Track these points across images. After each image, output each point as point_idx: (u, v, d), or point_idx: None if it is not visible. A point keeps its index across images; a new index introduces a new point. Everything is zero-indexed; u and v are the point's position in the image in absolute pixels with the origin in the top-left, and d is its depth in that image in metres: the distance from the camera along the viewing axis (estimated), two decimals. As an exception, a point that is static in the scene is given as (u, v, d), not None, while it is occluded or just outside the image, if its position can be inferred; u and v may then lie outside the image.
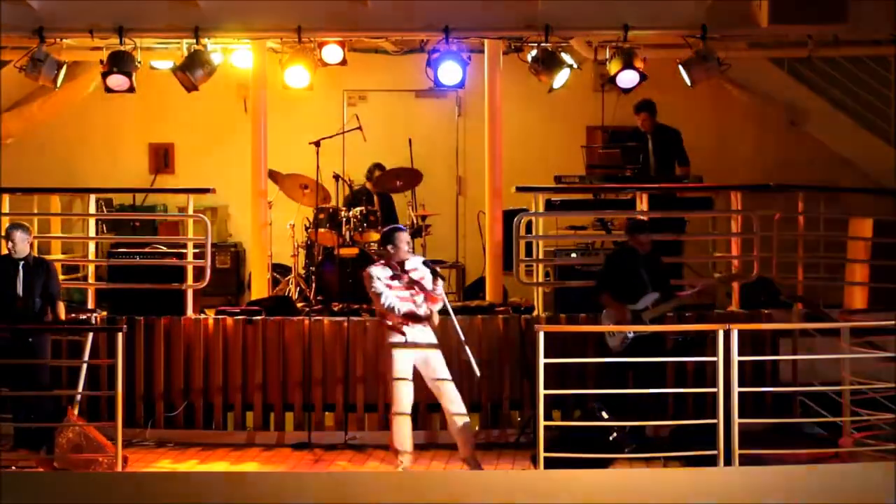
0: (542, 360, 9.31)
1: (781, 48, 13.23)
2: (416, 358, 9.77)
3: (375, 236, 12.25)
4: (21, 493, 8.98)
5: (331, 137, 12.56)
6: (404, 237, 9.80)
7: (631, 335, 10.31)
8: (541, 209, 11.92)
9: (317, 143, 12.30)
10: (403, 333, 9.71)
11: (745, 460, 9.41)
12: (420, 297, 9.71)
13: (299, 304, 11.98)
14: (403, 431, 9.79)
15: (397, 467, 9.81)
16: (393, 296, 9.68)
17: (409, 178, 12.56)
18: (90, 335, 10.64)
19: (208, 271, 11.69)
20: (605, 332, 10.48)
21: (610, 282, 10.63)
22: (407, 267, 9.78)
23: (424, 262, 9.91)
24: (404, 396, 9.77)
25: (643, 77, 11.76)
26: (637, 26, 11.75)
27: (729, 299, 12.13)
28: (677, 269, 12.30)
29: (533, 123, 14.15)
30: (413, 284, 9.72)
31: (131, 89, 11.93)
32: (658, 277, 10.62)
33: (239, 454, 10.96)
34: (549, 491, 9.02)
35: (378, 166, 13.08)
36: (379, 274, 9.75)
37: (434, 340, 9.84)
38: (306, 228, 12.35)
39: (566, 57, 12.20)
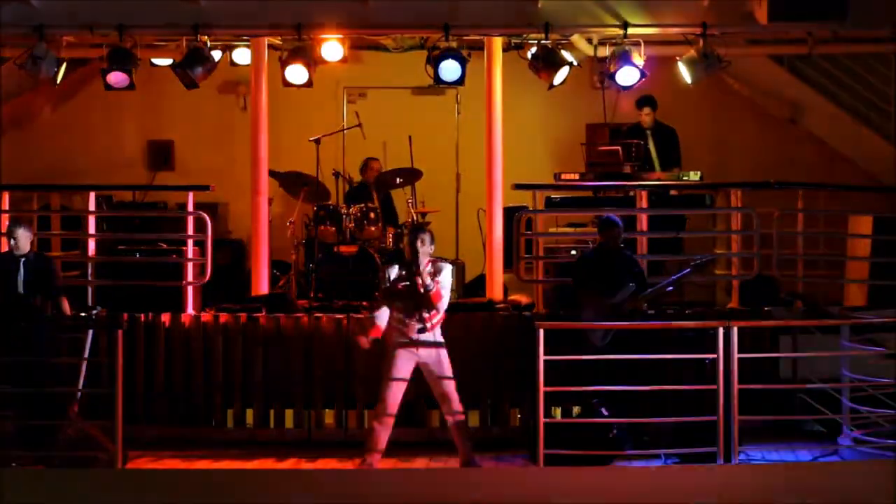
0: (542, 357, 9.31)
1: (781, 45, 13.22)
2: (422, 358, 9.78)
3: (375, 233, 12.25)
4: (21, 491, 9.00)
5: (331, 135, 12.55)
6: (409, 239, 9.78)
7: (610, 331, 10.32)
8: (540, 206, 11.93)
9: (317, 141, 12.30)
10: (366, 343, 9.77)
11: (745, 458, 9.43)
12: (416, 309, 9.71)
13: (299, 301, 11.98)
14: (382, 431, 9.80)
15: (360, 464, 9.83)
16: (383, 312, 9.75)
17: (409, 175, 12.56)
18: (90, 332, 10.64)
19: (208, 268, 11.70)
20: (586, 329, 10.46)
21: (586, 280, 10.62)
22: (420, 269, 9.73)
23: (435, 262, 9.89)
24: (393, 397, 9.79)
25: (643, 74, 11.76)
26: (637, 24, 11.75)
27: (729, 297, 12.14)
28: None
29: (533, 121, 14.14)
30: (416, 289, 9.69)
31: (131, 86, 11.93)
32: (631, 271, 10.62)
33: (239, 451, 10.96)
34: (549, 488, 9.04)
35: (371, 159, 13.09)
36: (389, 273, 9.82)
37: (440, 339, 9.85)
38: (306, 225, 12.35)
39: (566, 54, 12.19)
